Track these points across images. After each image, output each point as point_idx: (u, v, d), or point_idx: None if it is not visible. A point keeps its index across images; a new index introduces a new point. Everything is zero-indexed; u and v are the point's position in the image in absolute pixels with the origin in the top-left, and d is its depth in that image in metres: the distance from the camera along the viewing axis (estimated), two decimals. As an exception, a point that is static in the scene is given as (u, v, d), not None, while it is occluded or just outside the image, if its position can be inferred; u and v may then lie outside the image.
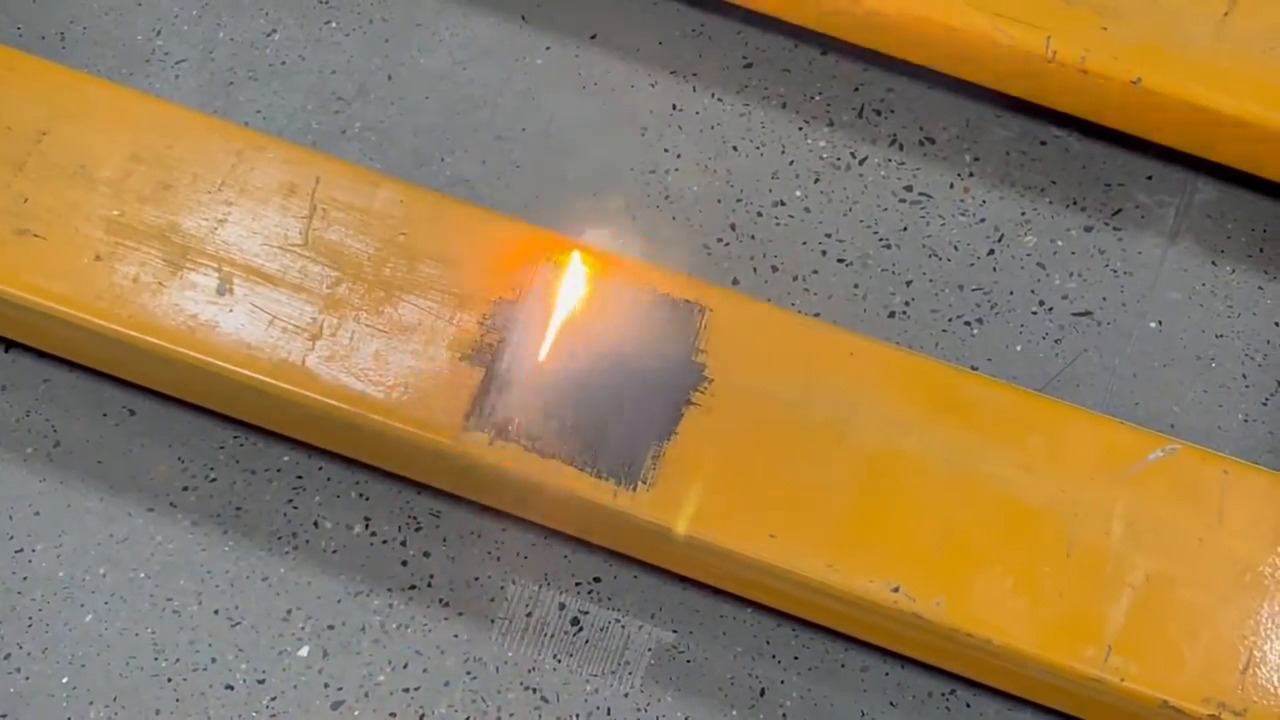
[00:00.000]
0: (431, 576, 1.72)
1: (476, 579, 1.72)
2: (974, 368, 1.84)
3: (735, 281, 1.88)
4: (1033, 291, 1.90)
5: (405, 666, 1.68)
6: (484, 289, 1.70)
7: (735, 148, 1.97)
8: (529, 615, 1.70)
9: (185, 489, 1.74)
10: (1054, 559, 1.61)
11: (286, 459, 1.76)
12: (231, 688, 1.66)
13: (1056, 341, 1.87)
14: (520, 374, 1.65)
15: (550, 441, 1.63)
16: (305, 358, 1.66)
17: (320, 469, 1.76)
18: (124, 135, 1.77)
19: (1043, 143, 1.99)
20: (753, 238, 1.91)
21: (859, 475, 1.64)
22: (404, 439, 1.65)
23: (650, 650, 1.69)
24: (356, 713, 1.66)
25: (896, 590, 1.59)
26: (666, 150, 1.97)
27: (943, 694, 1.69)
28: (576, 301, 1.70)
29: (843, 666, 1.70)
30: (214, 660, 1.67)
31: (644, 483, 1.62)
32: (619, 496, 1.62)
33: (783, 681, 1.69)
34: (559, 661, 1.69)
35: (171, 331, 1.67)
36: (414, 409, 1.65)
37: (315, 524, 1.74)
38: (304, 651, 1.68)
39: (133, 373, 1.74)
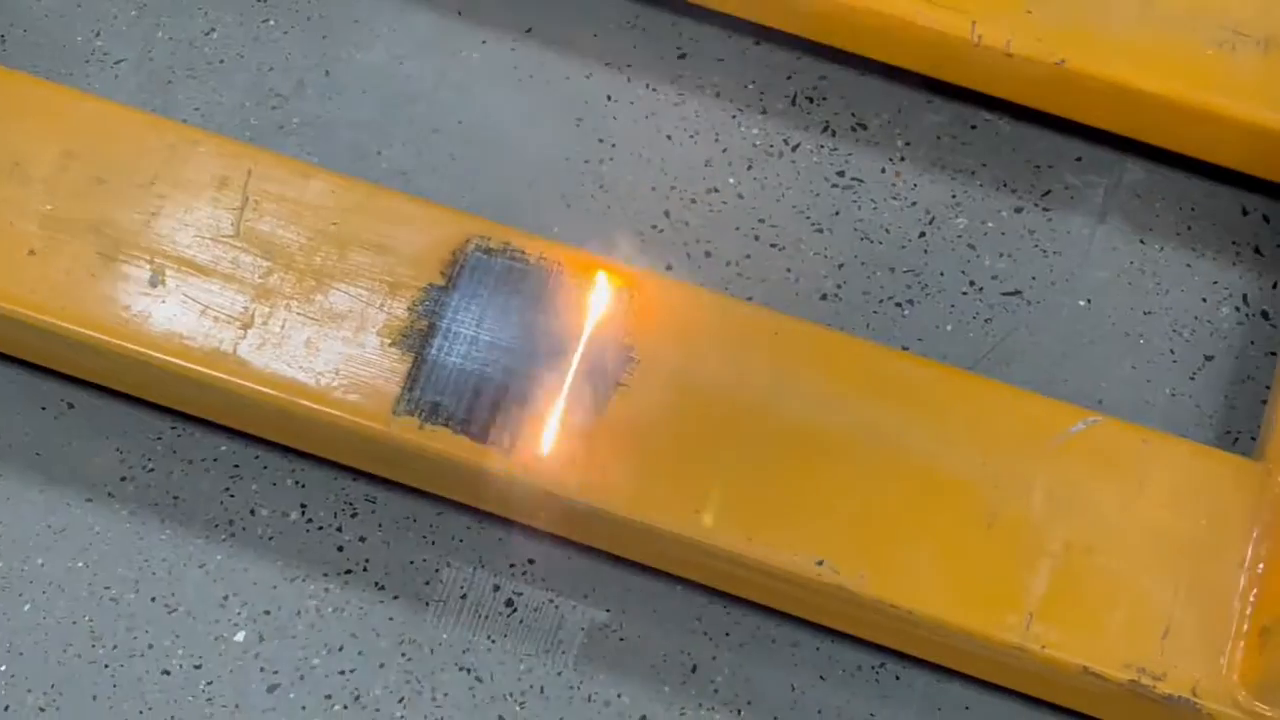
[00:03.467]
0: (367, 561, 1.74)
1: (412, 563, 1.74)
2: (905, 348, 1.87)
3: (669, 267, 1.91)
4: (963, 272, 1.92)
5: (340, 649, 1.70)
6: (414, 276, 1.72)
7: (669, 136, 2.00)
8: (464, 597, 1.73)
9: (123, 479, 1.77)
10: (976, 531, 1.63)
11: (224, 449, 1.78)
12: (168, 673, 1.68)
13: (987, 321, 1.89)
14: (449, 359, 1.68)
15: (478, 425, 1.66)
16: (237, 346, 1.69)
17: (257, 458, 1.78)
18: (59, 132, 1.79)
19: (973, 127, 2.02)
20: (686, 224, 1.94)
21: (785, 452, 1.66)
22: (335, 425, 1.67)
23: (584, 629, 1.72)
24: (292, 695, 1.68)
25: (821, 564, 1.61)
26: (601, 140, 1.99)
27: (872, 667, 1.71)
28: (506, 286, 1.72)
29: (773, 642, 1.72)
30: (151, 646, 1.69)
31: (570, 462, 1.64)
32: (548, 479, 1.64)
33: (714, 657, 1.71)
34: (493, 642, 1.71)
35: (105, 323, 1.69)
36: (344, 395, 1.67)
37: (252, 511, 1.76)
38: (240, 636, 1.70)
39: (69, 365, 1.77)
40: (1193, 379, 1.87)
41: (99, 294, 1.70)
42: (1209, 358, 1.88)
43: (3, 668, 1.67)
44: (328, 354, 1.68)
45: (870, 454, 1.66)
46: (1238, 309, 1.91)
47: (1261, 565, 1.60)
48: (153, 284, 1.71)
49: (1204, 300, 1.91)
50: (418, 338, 1.69)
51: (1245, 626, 1.58)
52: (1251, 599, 1.59)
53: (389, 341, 1.69)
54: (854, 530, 1.63)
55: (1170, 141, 1.95)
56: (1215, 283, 1.93)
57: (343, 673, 1.69)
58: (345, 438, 1.68)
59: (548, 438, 1.65)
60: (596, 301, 1.71)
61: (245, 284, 1.71)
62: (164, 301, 1.70)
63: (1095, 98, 1.91)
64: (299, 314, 1.70)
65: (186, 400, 1.74)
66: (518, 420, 1.66)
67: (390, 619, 1.71)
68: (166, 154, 1.78)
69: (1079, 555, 1.62)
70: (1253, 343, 1.89)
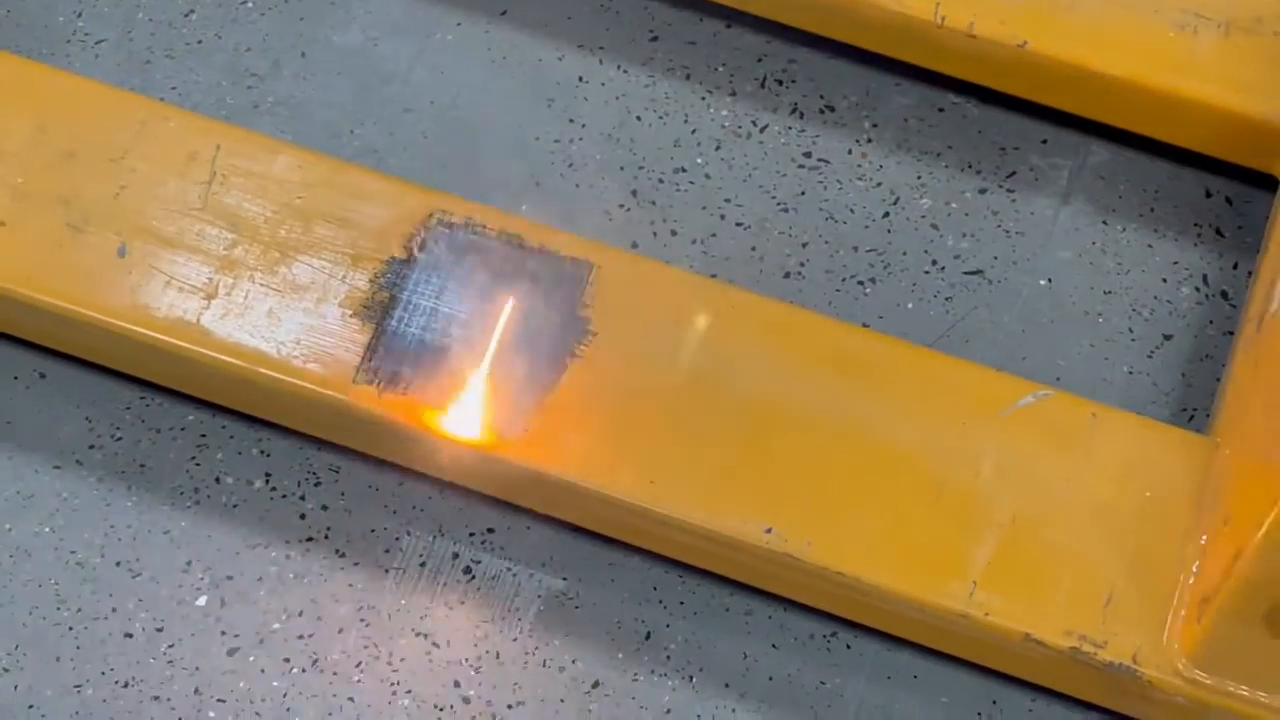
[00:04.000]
0: (329, 529, 1.77)
1: (373, 531, 1.77)
2: (865, 325, 1.89)
3: (635, 245, 1.93)
4: (926, 252, 1.94)
5: (300, 614, 1.73)
6: (377, 249, 1.76)
7: (639, 118, 2.02)
8: (423, 565, 1.75)
9: (91, 447, 1.80)
10: (924, 501, 1.65)
11: (191, 418, 1.82)
12: (130, 635, 1.71)
13: (948, 299, 1.92)
14: (409, 330, 1.71)
15: (436, 393, 1.68)
16: (200, 316, 1.72)
17: (224, 428, 1.81)
18: (32, 108, 1.82)
19: (940, 109, 2.04)
20: (653, 204, 1.96)
21: (736, 424, 1.69)
22: (297, 394, 1.70)
23: (540, 597, 1.74)
24: (251, 658, 1.71)
25: (769, 531, 1.63)
26: (572, 120, 2.02)
27: (824, 636, 1.73)
28: (467, 259, 1.75)
29: (727, 610, 1.74)
30: (114, 610, 1.72)
31: (525, 432, 1.67)
32: (502, 446, 1.67)
33: (668, 625, 1.73)
34: (450, 610, 1.74)
35: (71, 293, 1.73)
36: (306, 364, 1.70)
37: (217, 479, 1.79)
38: (202, 601, 1.73)
39: (39, 335, 1.80)
40: (1150, 357, 1.89)
41: (67, 264, 1.74)
42: (1168, 336, 1.90)
43: (-32, 629, 1.71)
44: (290, 324, 1.71)
45: (822, 425, 1.69)
46: (1198, 289, 1.93)
47: (1204, 537, 1.62)
48: (120, 255, 1.74)
49: (1164, 280, 1.93)
50: (378, 309, 1.72)
51: (1187, 597, 1.60)
52: (1194, 570, 1.61)
53: (350, 313, 1.72)
54: (803, 499, 1.65)
55: (1134, 124, 1.97)
56: (1176, 263, 1.95)
57: (301, 637, 1.72)
58: (307, 406, 1.71)
59: (503, 408, 1.68)
60: (555, 276, 1.74)
61: (211, 256, 1.74)
62: (130, 273, 1.73)
63: (1058, 80, 1.93)
64: (262, 285, 1.73)
65: (153, 370, 1.77)
66: (474, 390, 1.68)
67: (350, 585, 1.74)
68: (138, 129, 1.81)
69: (1025, 526, 1.64)
70: (1211, 322, 1.91)
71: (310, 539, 1.76)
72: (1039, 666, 1.63)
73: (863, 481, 1.67)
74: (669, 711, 1.70)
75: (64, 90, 1.85)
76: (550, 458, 1.67)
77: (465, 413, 1.68)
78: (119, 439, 1.81)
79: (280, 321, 1.71)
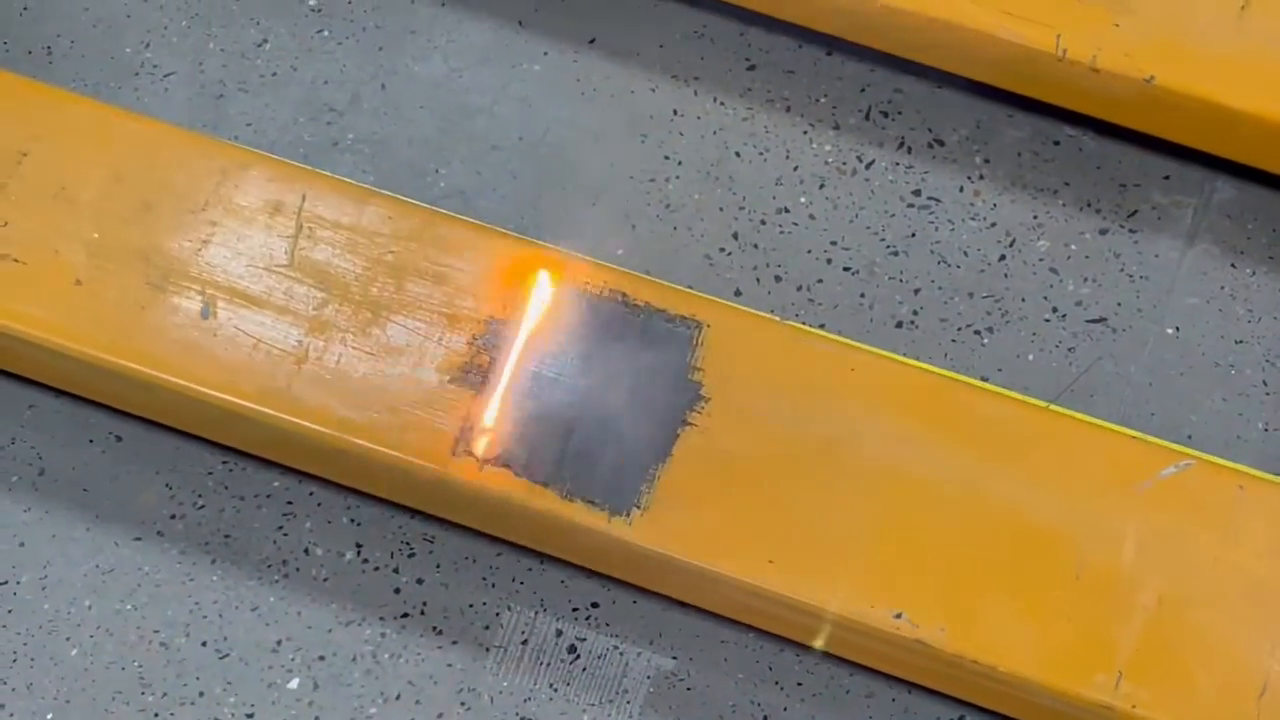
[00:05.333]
0: (424, 604, 1.67)
1: (471, 606, 1.67)
2: (984, 378, 1.79)
3: (738, 293, 1.83)
4: (1045, 298, 1.84)
5: (398, 698, 1.63)
6: (474, 308, 1.66)
7: (738, 153, 1.92)
8: (524, 643, 1.66)
9: (173, 517, 1.70)
10: (1062, 581, 1.56)
11: (276, 484, 1.72)
12: (219, 722, 1.63)
13: (1070, 350, 1.81)
14: (511, 396, 1.61)
15: (541, 467, 1.59)
16: (290, 382, 1.62)
17: (311, 494, 1.72)
18: (106, 155, 1.73)
19: (1055, 143, 1.93)
20: (756, 246, 1.86)
21: (859, 496, 1.59)
22: (392, 465, 1.61)
23: (649, 678, 1.65)
24: (347, 747, 1.62)
25: (899, 616, 1.54)
26: (667, 157, 1.91)
27: (951, 720, 1.64)
28: (569, 319, 1.65)
29: (847, 693, 1.65)
30: (202, 694, 1.63)
31: (638, 508, 1.57)
32: (613, 523, 1.58)
33: (785, 709, 1.64)
34: (555, 691, 1.64)
35: (154, 357, 1.63)
36: (402, 434, 1.60)
37: (306, 551, 1.69)
38: (294, 684, 1.64)
39: (116, 399, 1.71)
40: (1287, 413, 1.79)
41: (148, 326, 1.64)
42: (1304, 390, 1.80)
43: (50, 716, 1.61)
44: (384, 391, 1.62)
45: (950, 498, 1.59)
46: (1334, 338, 1.83)
47: (1365, 621, 1.52)
48: (204, 316, 1.64)
49: (1298, 328, 1.83)
50: (478, 374, 1.62)
51: (1347, 687, 1.50)
52: (1354, 657, 1.51)
53: (448, 378, 1.62)
54: (932, 580, 1.56)
55: (1263, 160, 1.87)
56: (1310, 310, 1.85)
57: (400, 723, 1.63)
58: (402, 479, 1.62)
59: (612, 480, 1.58)
60: (663, 336, 1.64)
61: (299, 316, 1.65)
62: (215, 335, 1.64)
63: (1186, 115, 1.83)
64: (354, 348, 1.64)
65: (238, 437, 1.68)
66: (580, 462, 1.59)
67: (449, 666, 1.65)
68: (217, 178, 1.72)
69: (1171, 608, 1.54)
70: (1350, 374, 1.81)
71: (406, 615, 1.67)
72: (1188, 760, 1.54)
73: (996, 560, 1.57)
74: (789, 801, 1.62)
75: (138, 134, 1.75)
76: (663, 536, 1.57)
77: (572, 487, 1.58)
78: (201, 507, 1.71)
79: (374, 387, 1.61)
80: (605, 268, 1.70)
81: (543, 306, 1.65)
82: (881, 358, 1.68)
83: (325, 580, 1.68)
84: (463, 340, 1.64)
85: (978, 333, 1.82)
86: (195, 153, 1.74)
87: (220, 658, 1.65)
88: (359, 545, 1.70)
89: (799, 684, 1.65)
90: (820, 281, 1.85)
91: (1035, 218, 1.89)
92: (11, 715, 1.61)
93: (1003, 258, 1.86)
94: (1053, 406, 1.70)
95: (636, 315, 1.66)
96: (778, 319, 1.73)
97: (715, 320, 1.67)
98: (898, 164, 1.92)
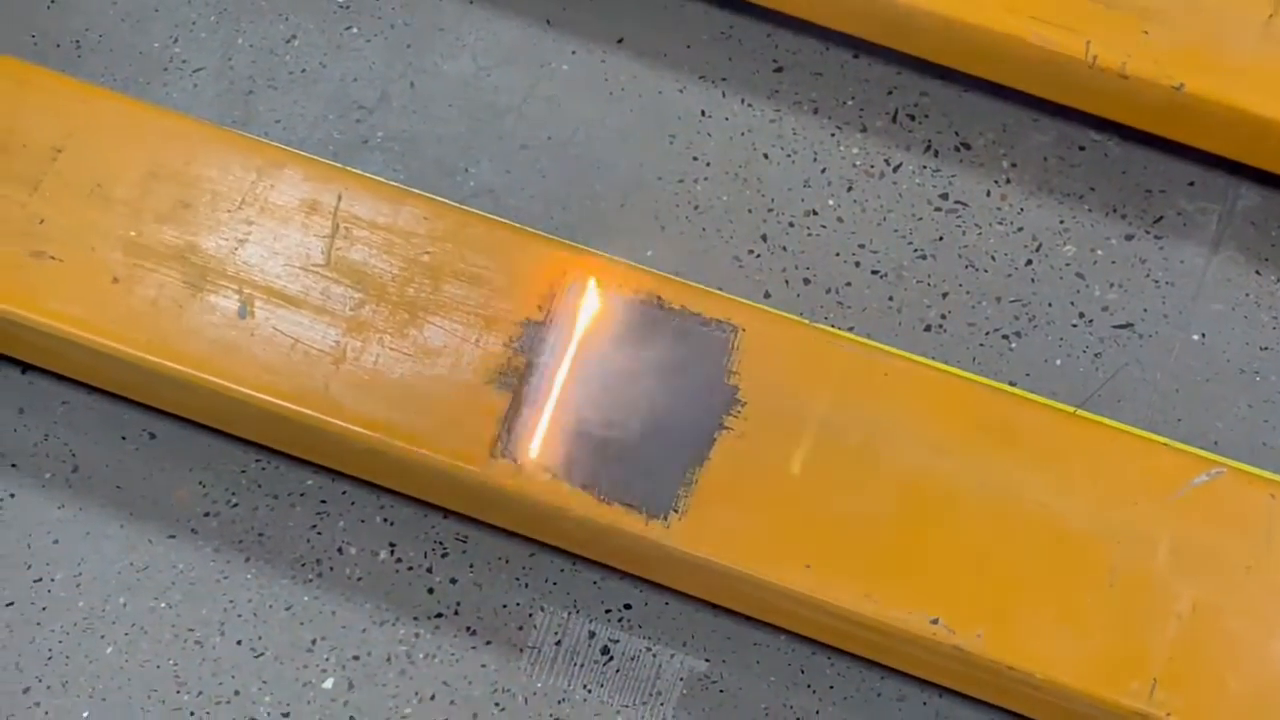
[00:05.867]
0: (458, 604, 1.68)
1: (504, 606, 1.68)
2: (1012, 383, 1.80)
3: (767, 295, 1.84)
4: (1072, 303, 1.85)
5: (432, 698, 1.64)
6: (510, 309, 1.66)
7: (766, 155, 1.93)
8: (558, 644, 1.67)
9: (207, 515, 1.71)
10: (1097, 588, 1.57)
11: (310, 483, 1.72)
12: (255, 721, 1.63)
13: (1097, 355, 1.83)
14: (548, 398, 1.61)
15: (579, 469, 1.59)
16: (328, 383, 1.62)
17: (345, 493, 1.72)
18: (141, 152, 1.73)
19: (1081, 148, 1.94)
20: (784, 249, 1.87)
21: (895, 501, 1.60)
22: (429, 466, 1.61)
23: (682, 679, 1.66)
24: (383, 746, 1.62)
25: (935, 622, 1.55)
26: (695, 158, 1.92)
27: (982, 724, 1.65)
28: (605, 322, 1.65)
29: (879, 696, 1.66)
30: (237, 693, 1.64)
31: (675, 511, 1.58)
32: (650, 527, 1.58)
33: (818, 711, 1.65)
34: (589, 692, 1.65)
35: (190, 356, 1.63)
36: (439, 436, 1.61)
37: (340, 550, 1.70)
38: (329, 683, 1.65)
39: (151, 396, 1.71)
40: (1312, 420, 1.80)
41: (184, 325, 1.64)
42: (1328, 397, 1.81)
43: (85, 714, 1.62)
44: (421, 392, 1.62)
45: (984, 504, 1.60)
46: (1358, 345, 1.84)
47: (1396, 631, 1.54)
48: (241, 315, 1.65)
49: (1323, 336, 1.85)
50: (515, 375, 1.63)
51: (1379, 695, 1.52)
52: (1385, 666, 1.53)
53: (485, 379, 1.63)
54: (969, 585, 1.57)
55: (1287, 167, 1.88)
56: (1335, 317, 1.86)
57: (435, 723, 1.63)
58: (439, 480, 1.63)
59: (649, 484, 1.59)
60: (699, 339, 1.65)
61: (336, 316, 1.65)
62: (252, 334, 1.64)
63: (1213, 122, 1.84)
64: (392, 349, 1.64)
65: (274, 436, 1.68)
66: (618, 465, 1.59)
67: (483, 666, 1.65)
68: (253, 176, 1.72)
69: (1205, 616, 1.55)
70: (1375, 382, 1.82)
71: (440, 615, 1.67)
72: (1220, 767, 1.55)
73: (1030, 565, 1.58)
74: (822, 804, 1.63)
75: (173, 132, 1.75)
76: (700, 540, 1.58)
77: (610, 490, 1.59)
78: (235, 505, 1.71)
79: (412, 388, 1.62)
80: (640, 270, 1.70)
81: (579, 309, 1.65)
82: (915, 363, 1.69)
83: (359, 580, 1.69)
84: (500, 342, 1.64)
85: (1005, 337, 1.83)
86: (230, 150, 1.74)
87: (255, 656, 1.65)
88: (393, 545, 1.70)
89: (831, 687, 1.66)
90: (849, 284, 1.85)
91: (1061, 222, 1.90)
92: (47, 713, 1.62)
93: (1029, 262, 1.87)
94: (1079, 412, 1.71)
95: (672, 319, 1.66)
96: (811, 323, 1.74)
97: (750, 324, 1.67)
98: (925, 167, 1.93)
